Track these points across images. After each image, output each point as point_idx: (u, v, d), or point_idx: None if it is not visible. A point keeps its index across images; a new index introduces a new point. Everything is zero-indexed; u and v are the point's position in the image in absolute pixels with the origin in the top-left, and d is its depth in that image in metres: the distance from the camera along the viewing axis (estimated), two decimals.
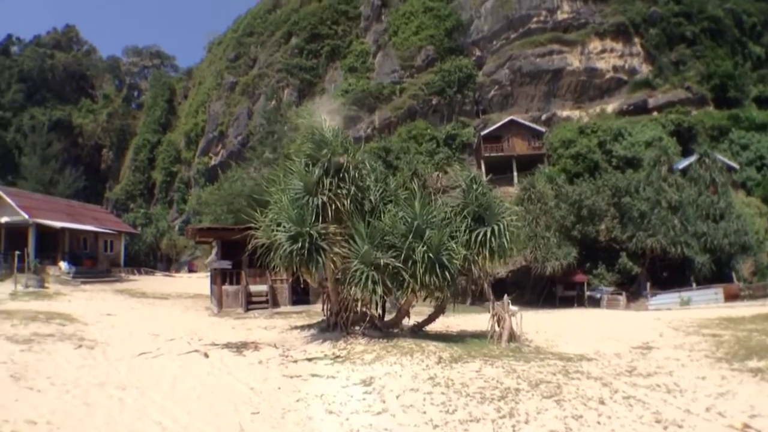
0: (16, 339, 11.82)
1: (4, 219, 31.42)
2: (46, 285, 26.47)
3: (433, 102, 46.29)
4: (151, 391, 8.17)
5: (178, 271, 45.41)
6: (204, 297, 24.35)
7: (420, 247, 10.97)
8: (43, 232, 32.69)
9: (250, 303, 19.40)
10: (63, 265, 30.58)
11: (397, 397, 7.63)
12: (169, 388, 8.38)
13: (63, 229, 33.18)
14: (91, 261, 35.43)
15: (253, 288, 19.70)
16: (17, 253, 28.05)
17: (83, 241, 37.40)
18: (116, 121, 67.39)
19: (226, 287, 19.68)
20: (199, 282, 32.22)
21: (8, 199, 33.17)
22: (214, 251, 22.64)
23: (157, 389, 8.31)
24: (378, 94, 47.51)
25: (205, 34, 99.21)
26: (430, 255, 10.92)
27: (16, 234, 32.04)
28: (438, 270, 10.92)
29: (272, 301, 19.74)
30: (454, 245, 11.44)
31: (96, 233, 37.66)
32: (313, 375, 9.03)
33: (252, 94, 53.94)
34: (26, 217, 31.74)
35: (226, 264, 19.75)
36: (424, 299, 12.72)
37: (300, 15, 57.67)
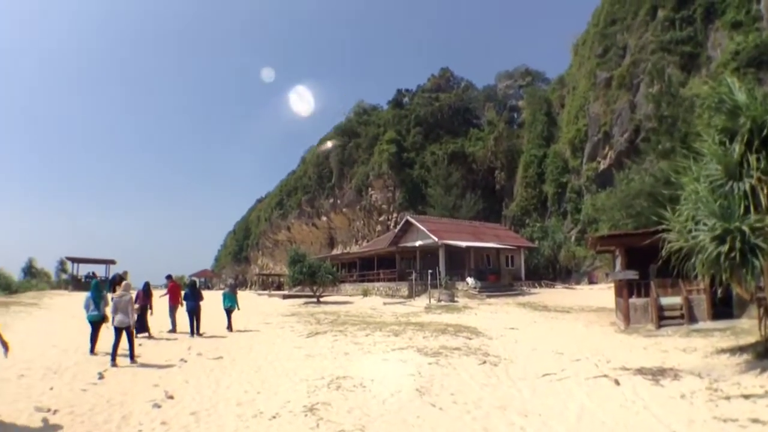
0: (425, 351, 12.31)
1: (418, 242, 35.93)
2: (456, 299, 28.70)
3: None
4: (554, 422, 7.09)
5: (578, 282, 44.26)
6: (608, 310, 22.54)
7: None
8: (451, 251, 36.16)
9: (662, 318, 16.71)
10: (469, 280, 32.98)
11: None
12: (576, 420, 7.15)
13: (468, 248, 36.00)
14: (494, 276, 37.38)
15: (664, 300, 16.96)
16: (430, 271, 31.59)
17: (486, 258, 39.92)
18: (503, 144, 71.15)
19: (633, 300, 17.47)
20: (601, 294, 30.45)
21: (420, 226, 38.18)
22: (616, 260, 20.77)
23: (562, 420, 7.17)
24: None
25: (567, 37, 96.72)
26: None
27: (428, 255, 36.34)
28: None
29: (687, 315, 16.65)
30: None
31: (497, 249, 39.76)
32: (754, 420, 6.54)
33: (630, 86, 49.45)
34: (435, 239, 35.72)
35: (632, 274, 17.61)
36: None
37: None
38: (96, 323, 12.59)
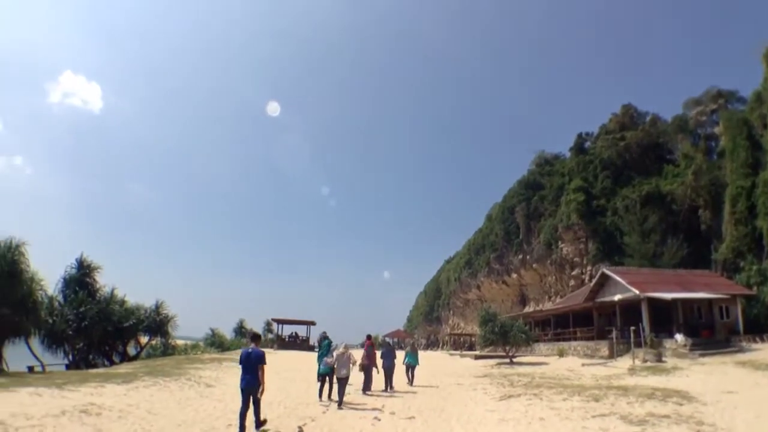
0: (630, 419, 11.77)
1: (617, 296, 33.95)
2: (663, 359, 26.68)
3: None
4: None
5: None
6: None
7: None
8: (655, 305, 33.64)
9: None
10: (678, 337, 30.27)
11: None
12: None
13: (674, 300, 33.29)
14: (707, 331, 33.86)
15: None
16: (632, 328, 29.63)
17: (697, 310, 36.53)
18: (703, 178, 64.65)
19: None
20: None
21: (618, 278, 36.23)
22: None
23: None
24: None
25: (755, 47, 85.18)
26: None
27: (629, 310, 34.27)
28: None
29: None
30: None
31: (709, 300, 36.02)
32: None
33: None
34: (637, 292, 33.53)
35: None
36: None
37: None
38: (323, 375, 15.49)
